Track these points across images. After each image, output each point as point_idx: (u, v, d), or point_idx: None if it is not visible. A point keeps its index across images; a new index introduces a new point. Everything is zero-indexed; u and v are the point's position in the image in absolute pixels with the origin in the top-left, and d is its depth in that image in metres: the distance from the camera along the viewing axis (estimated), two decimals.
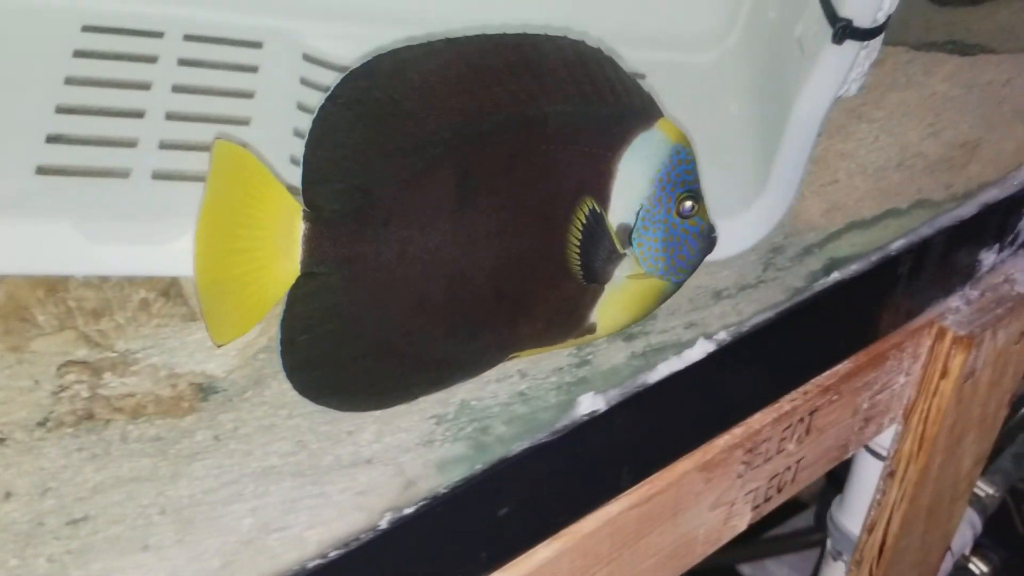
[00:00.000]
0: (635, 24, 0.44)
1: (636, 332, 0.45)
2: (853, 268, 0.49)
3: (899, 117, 0.59)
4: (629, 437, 0.43)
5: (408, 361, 0.37)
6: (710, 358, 0.44)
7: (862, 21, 0.42)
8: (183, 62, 0.47)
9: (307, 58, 0.50)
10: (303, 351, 0.36)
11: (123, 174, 0.42)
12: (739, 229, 0.47)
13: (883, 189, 0.56)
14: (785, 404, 0.50)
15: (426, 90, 0.36)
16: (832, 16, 0.42)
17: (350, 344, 0.36)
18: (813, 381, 0.51)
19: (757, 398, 0.49)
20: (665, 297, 0.40)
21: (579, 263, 0.37)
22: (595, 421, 0.41)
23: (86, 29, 0.47)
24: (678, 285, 0.40)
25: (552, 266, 0.37)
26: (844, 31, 0.42)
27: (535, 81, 0.37)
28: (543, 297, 0.38)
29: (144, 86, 0.45)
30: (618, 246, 0.38)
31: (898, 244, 0.50)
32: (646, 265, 0.38)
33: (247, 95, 0.47)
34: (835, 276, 0.48)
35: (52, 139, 0.42)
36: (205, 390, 0.40)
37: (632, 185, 0.37)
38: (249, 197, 0.35)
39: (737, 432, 0.48)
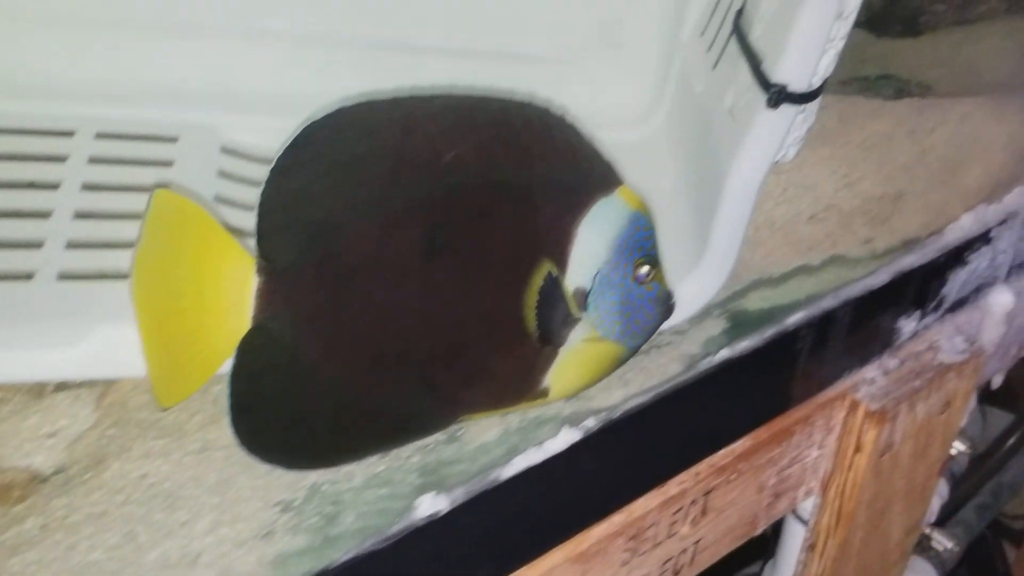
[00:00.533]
0: (561, 104, 0.43)
1: None
2: (744, 345, 0.45)
3: (811, 167, 0.55)
4: (484, 533, 0.40)
5: (361, 419, 0.37)
6: (575, 448, 0.40)
7: (798, 85, 0.41)
8: (94, 160, 0.46)
9: (225, 150, 0.49)
10: (252, 408, 0.35)
11: (27, 276, 0.41)
12: (679, 299, 0.44)
13: (793, 244, 0.52)
14: (672, 487, 0.46)
15: (392, 146, 0.36)
16: (764, 82, 0.41)
17: (302, 401, 0.36)
18: (706, 461, 0.47)
19: (637, 483, 0.45)
20: (620, 362, 0.40)
21: (535, 325, 0.37)
22: (438, 523, 0.37)
23: None
24: (633, 350, 0.40)
25: (510, 328, 0.37)
26: (779, 95, 0.41)
27: (500, 144, 0.37)
28: (499, 359, 0.37)
29: (52, 186, 0.45)
30: (574, 310, 0.38)
31: (797, 317, 0.46)
32: (601, 329, 0.38)
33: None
34: (724, 354, 0.44)
35: None
36: (38, 474, 0.37)
37: (590, 250, 0.37)
38: (195, 251, 0.34)
39: (617, 519, 0.44)
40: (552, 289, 0.37)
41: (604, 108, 0.53)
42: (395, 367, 0.36)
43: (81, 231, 0.43)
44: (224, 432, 0.39)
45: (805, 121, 0.46)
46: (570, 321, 0.38)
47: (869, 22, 0.63)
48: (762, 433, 0.48)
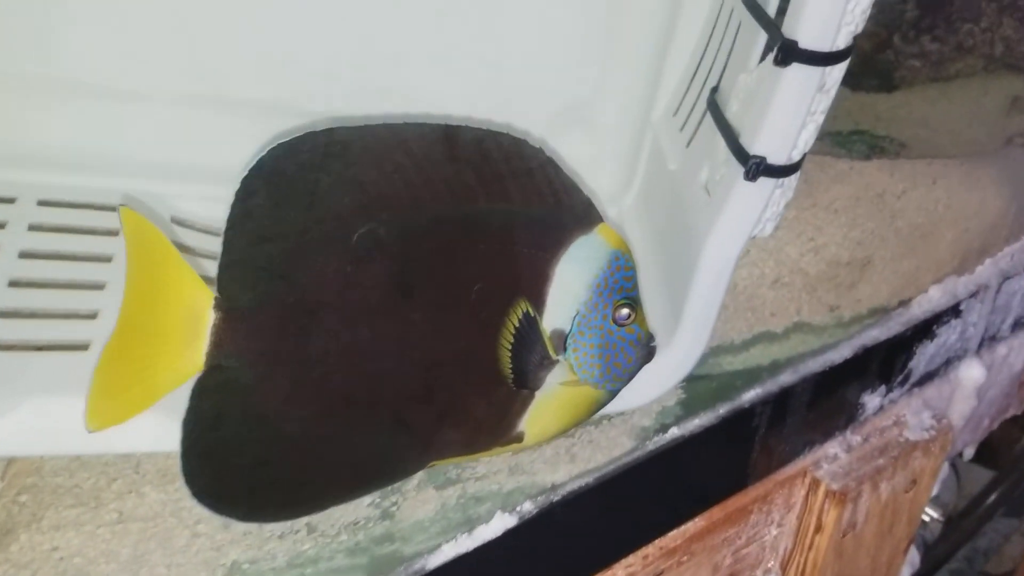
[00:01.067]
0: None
1: (452, 478, 0.40)
2: (699, 422, 0.42)
3: (774, 229, 0.53)
4: None
5: (323, 466, 0.35)
6: (511, 533, 0.38)
7: (777, 158, 0.40)
8: (34, 227, 0.45)
9: (175, 220, 0.47)
10: (205, 453, 0.33)
11: None
12: (652, 374, 0.43)
13: (755, 309, 0.50)
14: (619, 571, 0.43)
15: (361, 176, 0.35)
16: (742, 155, 0.40)
17: (259, 446, 0.34)
18: (655, 543, 0.44)
19: (579, 570, 0.42)
20: (599, 406, 0.38)
21: (510, 367, 0.35)
22: None
23: None
24: (613, 394, 0.38)
25: (483, 369, 0.35)
26: (758, 168, 0.39)
27: (475, 176, 0.36)
28: (472, 401, 0.36)
29: None
30: (551, 352, 0.36)
31: (755, 393, 0.44)
32: (581, 372, 0.36)
33: (104, 259, 0.44)
34: (675, 432, 0.42)
35: None
36: None
37: (569, 290, 0.36)
38: (152, 274, 0.33)
39: None
40: (528, 330, 0.35)
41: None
42: (363, 409, 0.35)
43: (15, 300, 0.41)
44: (143, 501, 0.38)
45: (783, 195, 0.44)
46: (547, 364, 0.36)
47: (844, 75, 0.61)
48: (716, 512, 0.46)
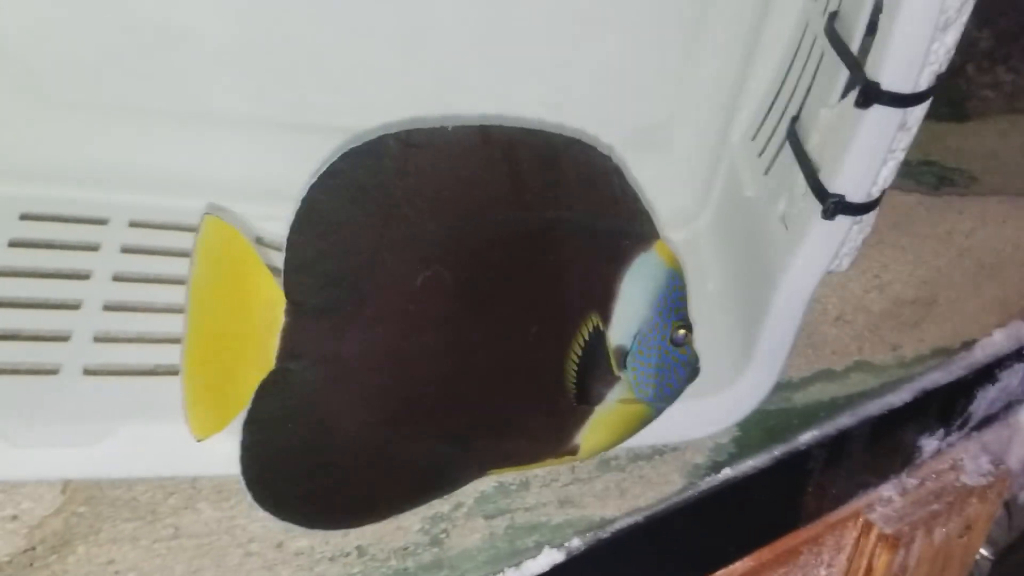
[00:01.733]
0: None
1: (502, 507, 0.40)
2: (750, 464, 0.42)
3: (850, 265, 0.52)
4: None
5: (382, 473, 0.35)
6: (558, 569, 0.38)
7: (855, 196, 0.39)
8: (126, 249, 0.45)
9: (260, 241, 0.47)
10: (266, 456, 0.33)
11: (52, 371, 0.40)
12: (719, 408, 0.44)
13: (816, 346, 0.49)
14: None
15: (432, 183, 0.34)
16: (821, 192, 0.39)
17: (320, 451, 0.34)
18: None
19: None
20: (647, 423, 0.38)
21: (574, 382, 0.35)
22: None
23: (24, 217, 0.46)
24: (661, 412, 0.38)
25: (547, 381, 0.35)
26: (836, 207, 0.39)
27: (546, 185, 0.35)
28: (533, 413, 0.36)
29: (83, 276, 0.43)
30: (615, 368, 0.36)
31: (811, 435, 0.43)
32: (638, 391, 0.37)
33: (180, 281, 0.43)
34: (726, 473, 0.41)
35: None
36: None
37: (633, 308, 0.36)
38: (235, 280, 0.33)
39: None
40: (597, 345, 0.35)
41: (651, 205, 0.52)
42: (423, 418, 0.34)
43: (110, 324, 0.42)
44: (198, 518, 0.38)
45: (861, 231, 0.43)
46: (610, 381, 0.36)
47: None
48: (765, 553, 0.45)
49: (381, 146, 0.34)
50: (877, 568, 0.47)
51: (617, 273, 0.36)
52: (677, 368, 0.37)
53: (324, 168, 0.33)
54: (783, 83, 0.48)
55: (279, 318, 0.33)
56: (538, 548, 0.38)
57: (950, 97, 0.62)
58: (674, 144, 0.52)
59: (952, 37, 0.37)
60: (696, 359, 0.38)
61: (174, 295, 0.43)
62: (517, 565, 0.37)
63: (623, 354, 0.36)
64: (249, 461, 0.33)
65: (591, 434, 0.37)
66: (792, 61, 0.48)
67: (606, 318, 0.36)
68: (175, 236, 0.46)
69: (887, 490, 0.48)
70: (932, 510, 0.48)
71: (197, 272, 0.33)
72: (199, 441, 0.33)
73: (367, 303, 0.33)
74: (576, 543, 0.38)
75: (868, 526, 0.47)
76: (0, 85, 0.46)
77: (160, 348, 0.41)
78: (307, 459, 0.34)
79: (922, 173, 0.58)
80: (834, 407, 0.46)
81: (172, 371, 0.39)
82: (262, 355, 0.33)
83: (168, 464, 0.38)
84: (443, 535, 0.38)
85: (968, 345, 0.50)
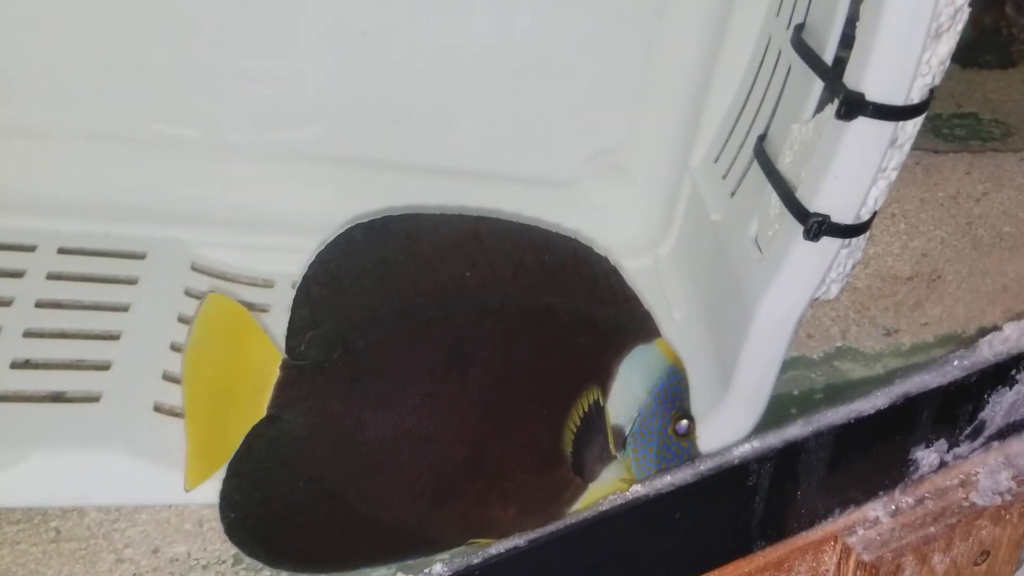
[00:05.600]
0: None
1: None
2: (688, 472, 0.36)
3: (840, 292, 0.45)
4: None
5: (359, 523, 0.36)
6: None
7: (842, 217, 0.36)
8: (52, 276, 0.46)
9: (195, 268, 0.49)
10: (246, 494, 0.35)
11: None
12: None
13: None
14: None
15: (431, 265, 0.37)
16: (800, 211, 0.37)
17: (299, 495, 0.35)
18: None
19: None
20: None
21: (571, 451, 0.36)
22: None
23: None
24: None
25: (539, 452, 0.36)
26: (820, 227, 0.36)
27: (543, 272, 0.38)
28: (522, 482, 0.36)
29: (5, 303, 0.44)
30: (612, 446, 0.37)
31: (774, 438, 0.37)
32: (639, 472, 0.37)
33: (122, 308, 0.45)
34: (669, 480, 0.36)
35: None
36: None
37: (631, 391, 0.37)
38: (236, 342, 0.36)
39: None
40: (596, 417, 0.36)
41: (609, 233, 0.51)
42: (406, 472, 0.35)
43: (28, 350, 0.42)
44: (82, 521, 0.38)
45: (851, 255, 0.39)
46: (606, 458, 0.37)
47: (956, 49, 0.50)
48: None
49: (384, 224, 0.37)
50: None
51: (616, 356, 0.37)
52: (678, 459, 0.37)
53: (330, 239, 0.37)
54: (746, 101, 0.47)
55: (274, 373, 0.35)
56: None
57: (996, 42, 0.52)
58: (632, 168, 0.52)
59: (946, 47, 0.34)
60: (698, 455, 0.38)
61: (97, 321, 0.44)
62: None
63: (620, 435, 0.37)
64: (228, 495, 0.35)
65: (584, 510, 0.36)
66: (755, 78, 0.46)
67: (603, 395, 0.36)
68: (106, 262, 0.47)
69: (874, 509, 0.41)
70: (925, 534, 0.40)
71: (198, 339, 0.36)
72: (187, 492, 0.35)
73: (359, 358, 0.36)
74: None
75: (847, 551, 0.41)
76: None
77: (75, 375, 0.41)
78: (285, 500, 0.35)
79: (953, 127, 0.49)
80: (808, 403, 0.40)
81: (91, 398, 0.39)
82: (256, 407, 0.35)
83: (77, 492, 0.38)
84: None
85: (984, 332, 0.41)
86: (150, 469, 0.38)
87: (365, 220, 0.37)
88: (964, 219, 0.44)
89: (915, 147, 0.38)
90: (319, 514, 0.35)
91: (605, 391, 0.37)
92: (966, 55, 0.55)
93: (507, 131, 0.50)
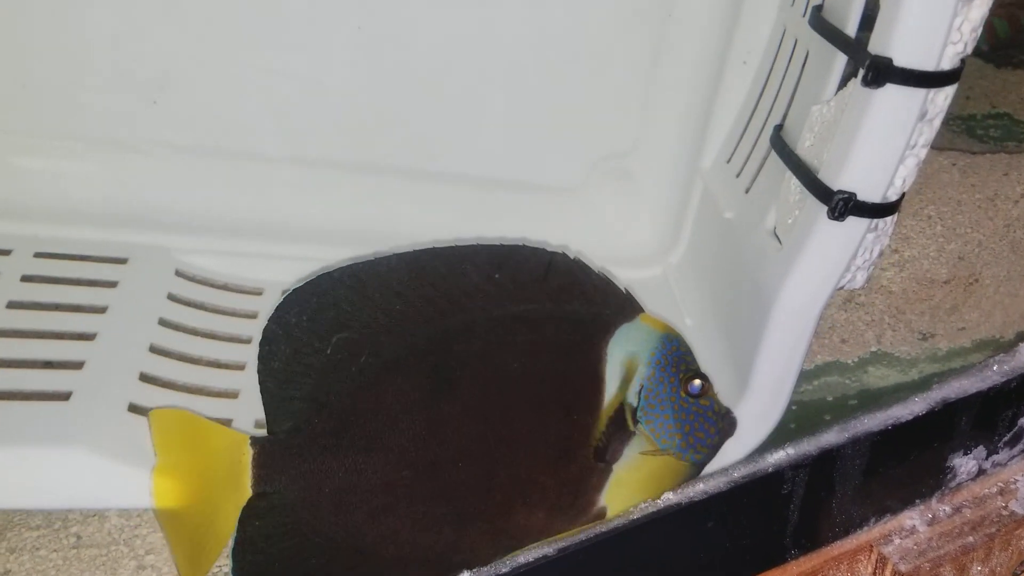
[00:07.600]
0: (564, 243, 0.40)
1: None
2: (722, 480, 0.35)
3: (867, 281, 0.44)
4: None
5: (385, 566, 0.36)
6: None
7: (869, 194, 0.35)
8: (27, 279, 0.46)
9: (180, 274, 0.49)
10: (260, 572, 0.35)
11: None
12: None
13: (820, 333, 0.42)
14: None
15: (384, 299, 0.37)
16: (824, 191, 0.36)
17: (313, 558, 0.35)
18: None
19: None
20: (685, 478, 0.38)
21: (599, 441, 0.36)
22: None
23: None
24: (697, 466, 0.38)
25: (551, 450, 0.36)
26: (845, 205, 0.35)
27: (497, 286, 0.38)
28: (541, 482, 0.36)
29: None
30: (629, 423, 0.37)
31: (808, 444, 0.36)
32: (660, 441, 0.37)
33: (99, 310, 0.45)
34: (700, 488, 0.35)
35: None
36: None
37: (626, 366, 0.37)
38: (195, 444, 0.36)
39: None
40: (622, 410, 0.36)
41: (616, 244, 0.51)
42: (416, 503, 0.35)
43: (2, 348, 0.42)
44: (103, 527, 0.39)
45: (877, 240, 0.37)
46: (625, 436, 0.37)
47: (990, 51, 0.50)
48: None
49: (323, 282, 0.37)
50: None
51: (601, 341, 0.37)
52: (703, 419, 0.37)
53: (272, 313, 0.37)
54: (761, 95, 0.46)
55: (245, 455, 0.35)
56: None
57: None
58: (640, 174, 0.51)
59: (979, 12, 0.32)
60: (726, 411, 0.38)
61: (72, 322, 0.44)
62: None
63: (632, 410, 0.37)
64: None
65: (617, 494, 0.36)
66: (771, 70, 0.45)
67: (598, 380, 0.37)
68: (86, 266, 0.47)
69: (911, 518, 0.40)
70: (963, 544, 0.39)
71: (160, 457, 0.35)
72: None
73: (334, 413, 0.36)
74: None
75: (883, 561, 0.40)
76: None
77: (46, 374, 0.41)
78: (299, 568, 0.35)
79: (988, 127, 0.48)
80: (842, 409, 0.39)
81: (61, 396, 0.39)
82: (236, 491, 0.35)
83: (47, 494, 0.37)
84: None
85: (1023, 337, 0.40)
86: (119, 469, 0.37)
87: (300, 284, 0.37)
88: (1002, 221, 0.43)
89: (951, 147, 0.37)
90: (341, 567, 0.35)
91: (599, 376, 0.37)
92: (1000, 55, 0.54)
93: (507, 138, 0.50)
